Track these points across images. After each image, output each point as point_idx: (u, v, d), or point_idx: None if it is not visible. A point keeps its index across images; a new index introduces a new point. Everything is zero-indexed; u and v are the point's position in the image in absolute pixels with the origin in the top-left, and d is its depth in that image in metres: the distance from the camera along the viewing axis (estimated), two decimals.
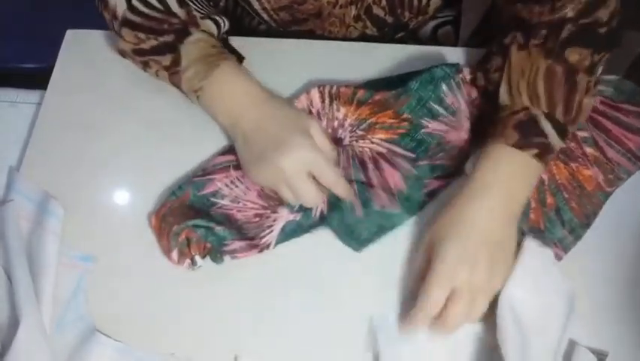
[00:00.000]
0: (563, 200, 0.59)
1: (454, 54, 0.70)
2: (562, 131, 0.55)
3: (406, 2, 0.73)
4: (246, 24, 0.80)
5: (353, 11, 0.73)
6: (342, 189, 0.58)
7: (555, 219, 0.59)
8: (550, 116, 0.55)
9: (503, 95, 0.57)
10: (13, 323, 0.52)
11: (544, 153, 0.54)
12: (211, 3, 0.67)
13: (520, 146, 0.54)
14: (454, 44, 0.89)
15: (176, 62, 0.59)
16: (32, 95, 0.68)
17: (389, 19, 0.75)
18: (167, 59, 0.60)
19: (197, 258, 0.57)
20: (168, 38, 0.60)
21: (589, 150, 0.61)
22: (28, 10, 1.06)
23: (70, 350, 0.54)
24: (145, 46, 0.60)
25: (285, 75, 0.67)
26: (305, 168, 0.56)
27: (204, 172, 0.61)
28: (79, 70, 0.68)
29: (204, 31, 0.61)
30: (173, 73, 0.60)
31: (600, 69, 0.58)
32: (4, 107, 0.67)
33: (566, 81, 0.55)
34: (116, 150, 0.63)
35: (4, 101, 0.68)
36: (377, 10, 0.74)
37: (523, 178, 0.55)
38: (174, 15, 0.60)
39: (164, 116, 0.65)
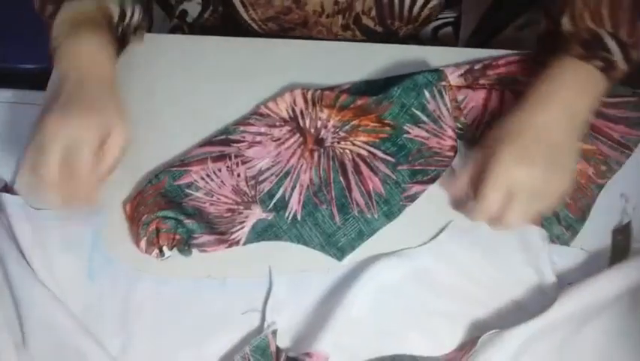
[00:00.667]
0: None
1: (454, 54, 0.70)
2: (626, 53, 0.56)
3: (396, 12, 0.73)
4: (240, 34, 0.80)
5: (340, 21, 0.73)
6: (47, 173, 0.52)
7: (552, 217, 0.59)
8: (614, 36, 0.56)
9: (566, 24, 0.58)
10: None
11: (608, 68, 0.55)
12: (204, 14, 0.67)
13: (585, 57, 0.55)
14: (455, 45, 0.89)
15: (55, 13, 0.59)
16: (32, 96, 0.68)
17: (378, 28, 0.75)
18: (50, 8, 0.60)
19: (165, 249, 0.57)
20: None
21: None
22: (28, 10, 1.05)
23: (108, 292, 0.56)
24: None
25: (280, 75, 0.67)
26: (66, 139, 0.52)
27: (182, 163, 0.61)
28: None
29: (100, 7, 0.60)
30: (51, 19, 0.60)
31: None
32: (4, 107, 0.67)
33: (631, 6, 0.56)
34: None
35: (4, 102, 0.68)
36: (366, 21, 0.74)
37: (587, 91, 0.55)
38: None
39: (162, 116, 0.65)
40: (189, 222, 0.57)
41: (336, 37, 0.77)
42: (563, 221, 0.59)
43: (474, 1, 0.99)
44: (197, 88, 0.67)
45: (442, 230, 0.60)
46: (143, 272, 0.57)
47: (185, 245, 0.57)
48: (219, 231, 0.58)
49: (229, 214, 0.59)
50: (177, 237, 0.57)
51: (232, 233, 0.58)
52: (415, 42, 0.83)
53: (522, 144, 0.53)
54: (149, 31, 0.70)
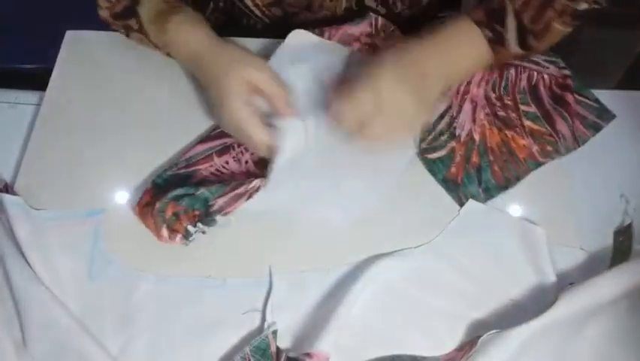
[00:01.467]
0: (487, 162, 0.62)
1: None
2: (522, 37, 0.59)
3: None
4: (243, 24, 0.80)
5: (344, 4, 0.73)
6: (279, 99, 0.58)
7: (474, 176, 0.61)
8: (517, 15, 0.58)
9: None
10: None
11: (496, 42, 0.58)
12: (205, 14, 0.68)
13: (480, 23, 0.58)
14: None
15: (142, 24, 0.62)
16: (32, 96, 0.68)
17: (381, 10, 0.75)
18: (135, 23, 0.62)
19: (190, 227, 0.57)
20: (127, 2, 0.62)
21: (528, 122, 0.64)
22: (27, 11, 1.06)
23: (108, 292, 0.56)
24: (117, 9, 0.63)
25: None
26: (248, 81, 0.56)
27: (188, 163, 0.61)
28: (78, 71, 0.68)
29: None
30: (145, 34, 0.63)
31: (583, 5, 0.59)
32: (4, 108, 0.67)
33: None
34: (116, 150, 0.63)
35: (4, 102, 0.68)
36: (369, 2, 0.74)
37: (469, 55, 0.59)
38: None
39: (164, 116, 0.65)
40: (201, 192, 0.57)
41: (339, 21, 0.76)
42: (482, 183, 0.61)
43: (474, 1, 0.99)
44: (197, 86, 0.67)
45: (442, 230, 0.60)
46: (143, 272, 0.57)
47: (206, 216, 0.57)
48: (233, 186, 0.58)
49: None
50: (196, 212, 0.57)
51: (249, 183, 0.58)
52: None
53: (397, 64, 0.56)
54: None
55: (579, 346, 0.54)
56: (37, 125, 0.65)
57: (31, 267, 0.55)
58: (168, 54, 0.64)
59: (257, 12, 0.75)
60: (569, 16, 0.59)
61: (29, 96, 0.68)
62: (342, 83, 0.60)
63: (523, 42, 0.59)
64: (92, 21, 0.67)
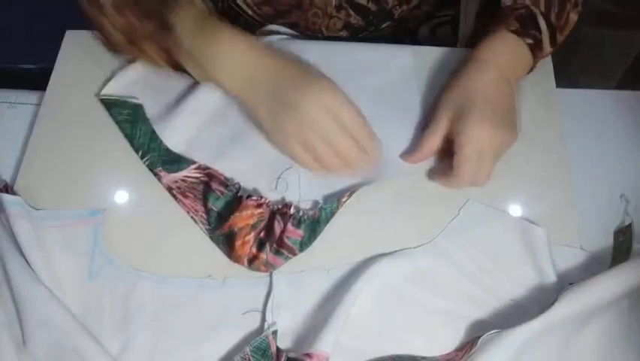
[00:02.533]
0: None
1: (453, 54, 0.70)
2: (553, 35, 0.60)
3: None
4: (240, 25, 0.80)
5: (334, 1, 0.73)
6: (368, 134, 0.56)
7: None
8: (545, 17, 0.60)
9: (507, 0, 0.62)
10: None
11: (536, 47, 0.60)
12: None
13: (519, 33, 0.59)
14: (453, 44, 0.89)
15: (174, 38, 0.58)
16: (31, 96, 0.68)
17: (372, 7, 0.75)
18: (164, 36, 0.58)
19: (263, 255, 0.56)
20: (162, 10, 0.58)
21: None
22: (27, 11, 1.06)
23: (108, 292, 0.56)
24: (137, 27, 0.59)
25: None
26: (335, 111, 0.54)
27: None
28: (78, 71, 0.68)
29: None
30: (173, 52, 0.59)
31: None
32: (3, 108, 0.67)
33: None
34: (116, 150, 0.63)
35: (3, 102, 0.68)
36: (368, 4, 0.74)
37: (517, 63, 0.61)
38: None
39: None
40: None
41: (330, 19, 0.76)
42: None
43: (473, 1, 0.99)
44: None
45: (441, 230, 0.60)
46: (143, 272, 0.57)
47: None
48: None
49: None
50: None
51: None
52: (413, 41, 0.84)
53: (474, 107, 0.56)
54: None
55: (580, 346, 0.54)
56: (37, 125, 0.65)
57: (31, 267, 0.55)
58: (202, 66, 0.59)
59: (249, 11, 0.75)
60: (579, 4, 0.62)
61: (29, 96, 0.68)
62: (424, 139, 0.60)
63: (554, 40, 0.61)
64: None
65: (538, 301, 0.55)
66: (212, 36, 0.57)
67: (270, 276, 0.57)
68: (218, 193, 0.59)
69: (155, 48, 0.60)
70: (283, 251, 0.56)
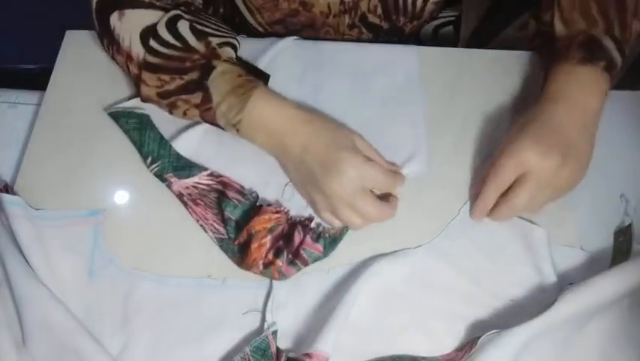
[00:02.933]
0: None
1: (454, 54, 0.70)
2: (621, 49, 0.57)
3: (400, 8, 0.73)
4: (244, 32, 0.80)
5: (347, 20, 0.73)
6: (400, 183, 0.58)
7: None
8: (609, 34, 0.57)
9: (559, 27, 0.60)
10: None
11: (610, 66, 0.56)
12: (210, 9, 0.66)
13: (587, 61, 0.56)
14: (455, 44, 0.89)
15: (208, 99, 0.57)
16: (32, 96, 0.68)
17: (384, 25, 0.75)
18: (197, 97, 0.57)
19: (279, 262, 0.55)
20: (193, 76, 0.57)
21: None
22: (27, 11, 1.05)
23: (108, 292, 0.56)
24: (170, 87, 0.58)
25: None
26: (359, 184, 0.54)
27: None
28: (78, 71, 0.68)
29: (226, 61, 0.58)
30: (205, 110, 0.58)
31: None
32: (4, 108, 0.67)
33: (616, 1, 0.58)
34: (116, 150, 0.63)
35: (4, 102, 0.68)
36: (373, 19, 0.74)
37: (594, 91, 0.56)
38: (195, 50, 0.57)
39: (164, 116, 0.65)
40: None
41: (342, 37, 0.77)
42: None
43: (475, 1, 0.99)
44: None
45: (441, 231, 0.60)
46: (143, 272, 0.57)
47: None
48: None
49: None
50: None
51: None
52: (416, 41, 0.84)
53: (539, 132, 0.54)
54: None
55: (580, 346, 0.54)
56: (37, 125, 0.65)
57: (30, 266, 0.55)
58: (237, 131, 0.58)
59: (260, 29, 0.75)
60: (639, 12, 0.59)
61: (29, 96, 0.68)
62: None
63: (622, 53, 0.58)
64: (92, 22, 0.67)
65: (538, 302, 0.55)
66: (244, 101, 0.57)
67: (271, 279, 0.57)
68: (235, 202, 0.58)
69: (186, 105, 0.59)
70: (297, 262, 0.56)
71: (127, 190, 0.62)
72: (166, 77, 0.58)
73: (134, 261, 0.58)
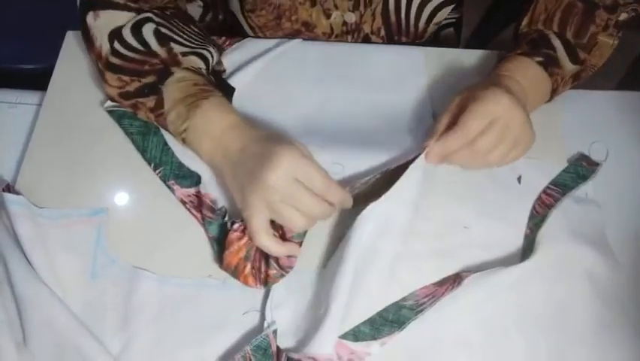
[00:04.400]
0: None
1: (455, 55, 0.70)
2: (573, 53, 0.60)
3: (403, 30, 0.74)
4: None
5: (350, 41, 0.74)
6: (335, 194, 0.53)
7: None
8: (560, 35, 0.61)
9: (523, 25, 0.64)
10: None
11: (549, 63, 0.60)
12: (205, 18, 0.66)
13: (528, 53, 0.61)
14: (456, 46, 0.89)
15: (160, 104, 0.58)
16: (32, 97, 0.68)
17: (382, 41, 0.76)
18: (151, 101, 0.58)
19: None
20: (150, 79, 0.58)
21: None
22: (28, 11, 1.06)
23: (110, 291, 0.56)
24: (130, 88, 0.59)
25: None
26: (294, 175, 0.51)
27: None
28: (79, 71, 0.68)
29: (187, 68, 0.59)
30: (158, 115, 0.59)
31: (623, 15, 0.62)
32: (4, 108, 0.67)
33: (584, 13, 0.62)
34: (116, 150, 0.63)
35: (4, 103, 0.68)
36: (375, 39, 0.74)
37: (532, 82, 0.60)
38: (155, 55, 0.58)
39: None
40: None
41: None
42: None
43: (475, 2, 0.99)
44: None
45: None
46: (145, 271, 0.57)
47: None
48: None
49: None
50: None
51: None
52: (416, 44, 0.84)
53: (511, 89, 0.56)
54: None
55: (567, 289, 0.57)
56: (37, 125, 0.65)
57: (32, 266, 0.55)
58: (183, 140, 0.58)
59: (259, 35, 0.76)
60: (613, 29, 0.62)
61: (29, 96, 0.68)
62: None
63: (574, 57, 0.61)
64: None
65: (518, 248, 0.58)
66: (191, 110, 0.57)
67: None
68: (209, 219, 0.58)
69: (145, 108, 0.60)
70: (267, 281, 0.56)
71: (127, 190, 0.62)
72: (126, 79, 0.59)
73: (134, 260, 0.57)
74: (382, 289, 0.56)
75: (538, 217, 0.60)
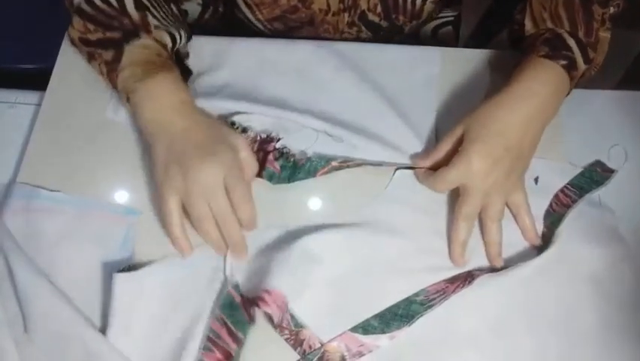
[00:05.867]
0: None
1: (454, 54, 0.70)
2: (585, 53, 0.59)
3: (400, 6, 0.73)
4: (243, 33, 0.81)
5: (346, 18, 0.74)
6: (245, 211, 0.55)
7: None
8: (573, 35, 0.59)
9: (528, 26, 0.62)
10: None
11: (571, 66, 0.58)
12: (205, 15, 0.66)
13: (550, 56, 0.58)
14: (455, 45, 0.89)
15: (117, 59, 0.59)
16: (32, 96, 0.68)
17: (384, 23, 0.75)
18: (109, 54, 0.59)
19: None
20: (115, 35, 0.59)
21: None
22: (27, 11, 1.06)
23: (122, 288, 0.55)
24: (91, 37, 0.60)
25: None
26: (222, 177, 0.54)
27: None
28: (78, 71, 0.68)
29: (156, 40, 0.60)
30: (111, 70, 0.60)
31: (612, 9, 0.62)
32: (4, 108, 0.67)
33: (583, 8, 0.60)
34: (116, 150, 0.63)
35: (4, 102, 0.68)
36: (372, 17, 0.74)
37: (556, 88, 0.58)
38: (128, 15, 0.60)
39: None
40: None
41: (342, 35, 0.77)
42: None
43: (474, 1, 0.99)
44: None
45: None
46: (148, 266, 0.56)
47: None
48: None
49: None
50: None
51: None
52: (416, 41, 0.84)
53: (491, 148, 0.56)
54: None
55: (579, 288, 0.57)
56: (37, 125, 0.65)
57: (34, 264, 0.55)
58: (128, 99, 0.59)
59: (259, 26, 0.75)
60: (607, 22, 0.61)
61: (29, 96, 0.68)
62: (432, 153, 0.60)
63: (586, 56, 0.59)
64: None
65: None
66: (147, 75, 0.58)
67: None
68: None
69: (99, 59, 0.61)
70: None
71: (127, 189, 0.61)
72: (91, 27, 0.60)
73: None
74: (393, 280, 0.56)
75: (554, 215, 0.60)
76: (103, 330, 0.53)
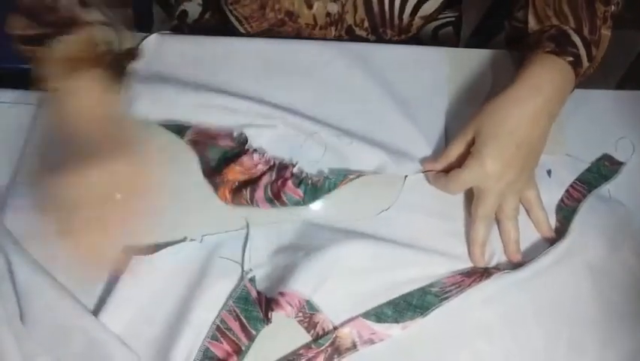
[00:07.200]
0: None
1: (454, 54, 0.70)
2: (589, 50, 0.59)
3: (387, 22, 0.73)
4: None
5: (333, 32, 0.74)
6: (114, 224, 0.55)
7: None
8: (578, 32, 0.59)
9: (532, 23, 0.62)
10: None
11: (577, 63, 0.58)
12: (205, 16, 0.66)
13: (557, 52, 0.58)
14: (456, 45, 0.89)
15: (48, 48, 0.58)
16: (32, 96, 0.68)
17: (371, 37, 0.75)
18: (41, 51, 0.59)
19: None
20: (48, 30, 0.58)
21: None
22: None
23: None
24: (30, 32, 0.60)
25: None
26: (108, 188, 0.53)
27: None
28: None
29: (89, 36, 0.59)
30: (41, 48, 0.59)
31: (613, 7, 0.61)
32: (4, 108, 0.67)
33: (587, 5, 0.60)
34: None
35: (4, 102, 0.68)
36: (359, 32, 0.74)
37: (563, 84, 0.58)
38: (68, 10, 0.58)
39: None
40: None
41: None
42: None
43: (475, 1, 1.00)
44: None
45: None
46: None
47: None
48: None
49: None
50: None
51: None
52: (416, 42, 0.84)
53: (502, 147, 0.56)
54: (149, 31, 0.70)
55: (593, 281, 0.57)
56: (36, 125, 0.64)
57: (35, 261, 0.55)
58: (54, 90, 0.58)
59: (242, 30, 0.76)
60: (609, 20, 0.61)
61: (29, 96, 0.68)
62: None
63: (590, 54, 0.59)
64: None
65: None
66: (67, 76, 0.57)
67: (247, 228, 0.58)
68: (228, 148, 0.61)
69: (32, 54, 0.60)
70: (275, 202, 0.58)
71: None
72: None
73: None
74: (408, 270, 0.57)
75: (565, 209, 0.60)
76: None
